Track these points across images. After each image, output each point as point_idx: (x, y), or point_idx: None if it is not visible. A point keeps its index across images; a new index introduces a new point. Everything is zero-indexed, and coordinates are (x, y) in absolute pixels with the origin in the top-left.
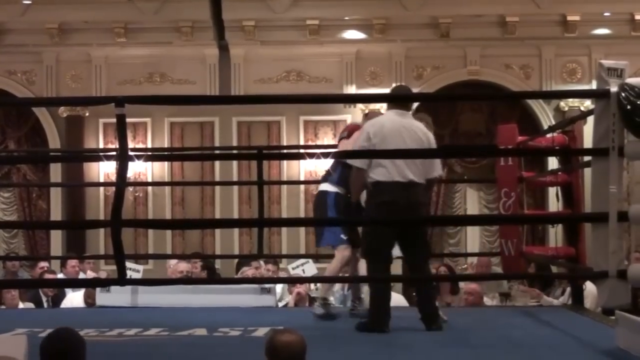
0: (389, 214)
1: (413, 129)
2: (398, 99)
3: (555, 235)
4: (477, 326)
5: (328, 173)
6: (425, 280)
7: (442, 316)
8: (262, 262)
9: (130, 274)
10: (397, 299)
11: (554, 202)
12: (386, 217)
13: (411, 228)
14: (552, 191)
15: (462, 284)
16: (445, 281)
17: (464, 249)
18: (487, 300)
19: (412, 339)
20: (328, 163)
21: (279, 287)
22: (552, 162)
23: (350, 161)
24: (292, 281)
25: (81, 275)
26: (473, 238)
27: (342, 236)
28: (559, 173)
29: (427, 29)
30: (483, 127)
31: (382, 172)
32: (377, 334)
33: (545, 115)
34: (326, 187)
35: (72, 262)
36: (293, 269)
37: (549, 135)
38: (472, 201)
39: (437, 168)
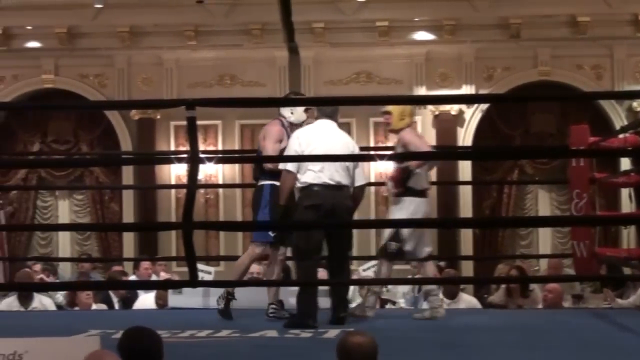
0: (316, 215)
1: (340, 138)
2: (465, 101)
3: (628, 236)
4: (549, 328)
5: (262, 169)
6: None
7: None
8: None
9: (201, 276)
10: (470, 301)
11: (627, 203)
12: (315, 219)
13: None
14: (625, 192)
15: (535, 286)
16: (517, 282)
17: (535, 251)
18: None
19: (482, 341)
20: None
21: (349, 289)
22: (625, 163)
23: (281, 165)
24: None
25: (153, 277)
26: (545, 239)
27: (270, 233)
28: (632, 174)
29: (497, 30)
30: (554, 127)
31: (312, 175)
32: (305, 329)
33: (618, 115)
34: (263, 181)
35: (145, 264)
36: (364, 270)
37: (621, 136)
38: (543, 202)
39: (363, 177)
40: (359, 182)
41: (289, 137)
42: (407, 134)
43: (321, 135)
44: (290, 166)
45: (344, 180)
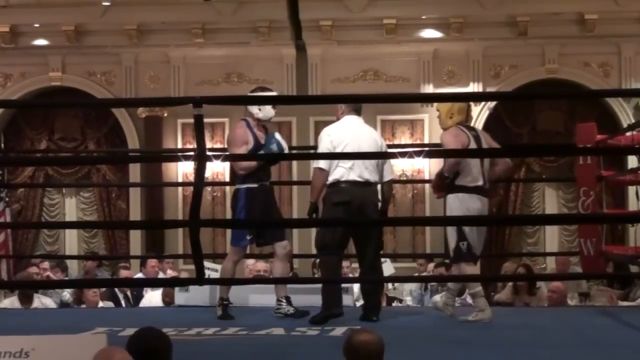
0: (345, 212)
1: (369, 134)
2: (473, 99)
3: (635, 234)
4: (556, 326)
5: (234, 174)
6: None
7: None
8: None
9: (208, 274)
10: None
11: (634, 201)
12: (343, 215)
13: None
14: (632, 190)
15: (542, 283)
16: (522, 281)
17: (542, 249)
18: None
19: (491, 339)
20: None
21: (356, 287)
22: (632, 161)
23: (314, 163)
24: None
25: (160, 275)
26: (552, 237)
27: (247, 237)
28: (639, 172)
29: (504, 27)
30: (562, 125)
31: (341, 171)
32: (333, 319)
33: (625, 113)
34: (238, 185)
35: (152, 262)
36: None
37: (628, 134)
38: (550, 200)
39: (391, 172)
40: (387, 177)
41: (254, 136)
42: (445, 135)
43: (352, 132)
44: (322, 164)
45: (372, 177)
